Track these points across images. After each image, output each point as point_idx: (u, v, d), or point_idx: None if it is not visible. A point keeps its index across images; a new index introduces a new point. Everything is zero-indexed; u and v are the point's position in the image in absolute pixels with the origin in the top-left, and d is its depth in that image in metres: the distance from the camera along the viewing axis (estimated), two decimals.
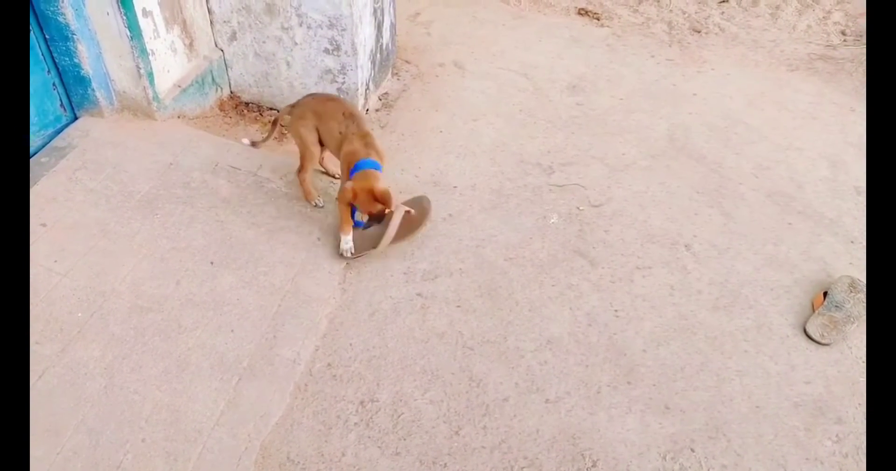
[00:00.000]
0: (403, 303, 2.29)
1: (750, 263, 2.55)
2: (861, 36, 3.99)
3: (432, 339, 2.19)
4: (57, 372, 1.88)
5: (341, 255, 2.37)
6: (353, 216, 2.31)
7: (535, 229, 2.61)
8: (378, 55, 3.06)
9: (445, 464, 1.88)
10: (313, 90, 2.91)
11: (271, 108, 3.05)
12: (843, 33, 4.04)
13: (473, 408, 2.02)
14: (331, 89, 2.88)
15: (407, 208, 2.39)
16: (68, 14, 2.30)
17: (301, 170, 2.48)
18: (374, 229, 2.33)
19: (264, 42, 2.81)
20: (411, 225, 2.42)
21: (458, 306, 2.30)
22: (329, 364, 2.09)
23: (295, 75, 2.89)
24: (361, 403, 2.00)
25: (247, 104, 3.05)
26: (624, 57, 3.74)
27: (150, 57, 2.52)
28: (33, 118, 2.44)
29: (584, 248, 2.55)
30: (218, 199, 2.47)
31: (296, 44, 2.77)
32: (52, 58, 2.45)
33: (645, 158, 3.02)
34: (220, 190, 2.51)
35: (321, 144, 2.42)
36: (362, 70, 2.87)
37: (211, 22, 2.80)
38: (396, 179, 2.75)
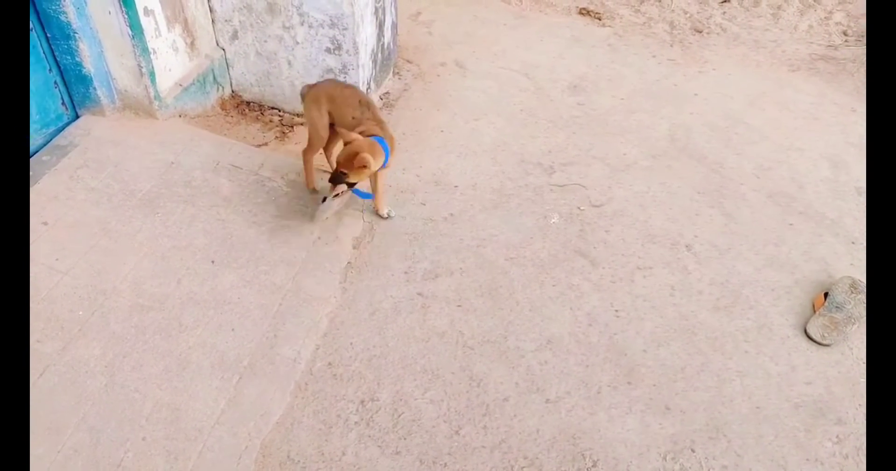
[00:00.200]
0: (404, 302, 2.29)
1: (751, 263, 2.55)
2: (863, 36, 3.99)
3: (433, 338, 2.19)
4: (58, 370, 1.89)
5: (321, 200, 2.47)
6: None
7: (536, 229, 2.61)
8: (379, 54, 3.06)
9: (445, 463, 1.88)
10: None
11: (272, 108, 3.05)
12: (845, 34, 4.04)
13: (474, 408, 2.02)
14: None
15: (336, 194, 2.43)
16: (70, 13, 2.30)
17: (307, 150, 2.50)
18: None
19: (266, 41, 2.81)
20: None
21: (459, 306, 2.30)
22: (330, 363, 2.09)
23: (296, 74, 2.89)
24: (362, 402, 2.00)
25: (248, 103, 3.05)
26: (625, 57, 3.74)
27: (152, 56, 2.52)
28: (35, 117, 2.44)
29: (585, 248, 2.55)
30: (219, 198, 2.47)
31: (297, 43, 2.77)
32: (54, 56, 2.45)
33: (646, 158, 3.02)
34: (222, 189, 2.51)
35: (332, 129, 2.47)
36: (363, 69, 2.87)
37: (212, 21, 2.80)
38: (398, 179, 2.75)
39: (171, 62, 2.66)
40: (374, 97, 3.17)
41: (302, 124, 2.99)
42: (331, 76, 2.85)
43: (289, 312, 2.18)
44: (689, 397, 2.09)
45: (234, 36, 2.83)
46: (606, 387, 2.10)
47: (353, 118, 2.35)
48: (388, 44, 3.18)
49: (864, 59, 3.79)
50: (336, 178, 2.26)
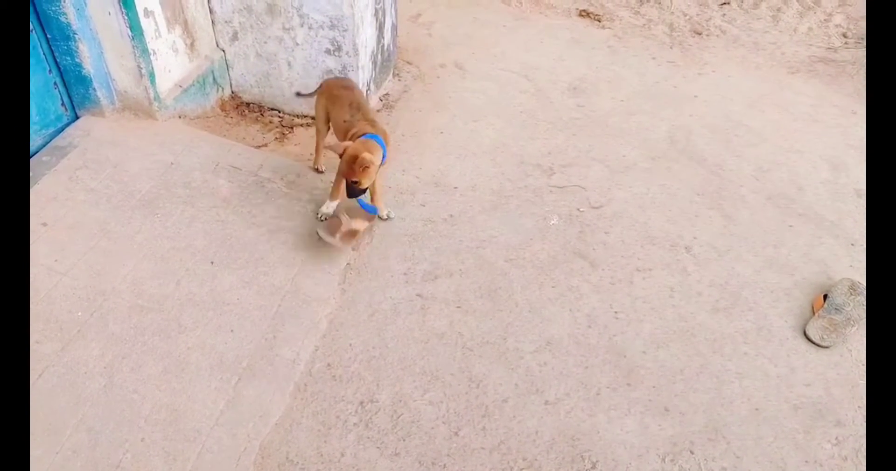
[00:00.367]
0: (403, 303, 2.29)
1: (750, 265, 2.55)
2: (862, 39, 3.99)
3: (432, 339, 2.19)
4: (57, 371, 1.88)
5: (318, 217, 2.44)
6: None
7: (536, 231, 2.61)
8: (379, 56, 3.06)
9: (445, 465, 1.88)
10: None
11: (272, 109, 3.05)
12: (845, 36, 4.04)
13: (473, 409, 2.02)
14: None
15: (354, 227, 2.37)
16: (70, 14, 2.30)
17: (316, 135, 2.62)
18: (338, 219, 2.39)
19: (265, 42, 2.81)
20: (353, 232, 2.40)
21: (458, 307, 2.30)
22: (329, 365, 2.09)
23: (296, 76, 2.90)
24: (361, 403, 2.00)
25: (248, 104, 3.06)
26: (625, 59, 3.74)
27: (152, 57, 2.52)
28: (35, 117, 2.44)
29: (585, 249, 2.55)
30: (218, 199, 2.47)
31: (297, 44, 2.78)
32: (54, 57, 2.45)
33: (645, 159, 3.02)
34: (221, 190, 2.51)
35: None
36: (363, 71, 2.87)
37: (212, 22, 2.80)
38: (398, 180, 2.76)
39: (171, 63, 2.66)
40: (374, 98, 3.17)
41: (301, 126, 2.99)
42: (331, 78, 2.85)
43: (288, 313, 2.18)
44: (688, 399, 2.09)
45: (234, 37, 2.84)
46: (606, 388, 2.10)
47: (345, 121, 2.37)
48: (388, 45, 3.18)
49: (864, 61, 3.79)
50: (352, 191, 2.25)
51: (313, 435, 1.91)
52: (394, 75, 3.39)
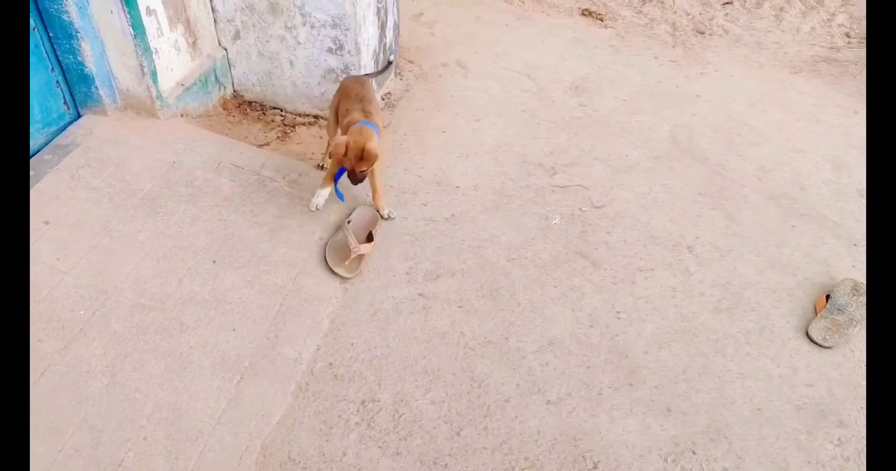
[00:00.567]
0: (405, 303, 2.29)
1: (752, 265, 2.55)
2: (865, 38, 3.98)
3: (434, 339, 2.19)
4: (59, 370, 1.89)
5: (311, 208, 2.44)
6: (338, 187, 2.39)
7: (538, 230, 2.61)
8: (381, 55, 3.06)
9: (446, 465, 1.88)
10: (316, 90, 2.92)
11: (274, 108, 3.05)
12: (848, 36, 4.04)
13: (475, 409, 2.02)
14: (333, 89, 2.88)
15: (362, 252, 2.36)
16: (72, 12, 2.30)
17: (328, 134, 2.62)
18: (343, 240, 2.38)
19: (268, 41, 2.81)
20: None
21: (460, 307, 2.30)
22: (330, 364, 2.09)
23: (298, 74, 2.89)
24: (363, 403, 2.00)
25: (250, 103, 3.05)
26: (627, 58, 3.74)
27: (154, 55, 2.52)
28: (37, 116, 2.44)
29: (587, 249, 2.55)
30: (220, 197, 2.47)
31: (299, 43, 2.77)
32: (56, 56, 2.45)
33: (648, 159, 3.02)
34: (223, 189, 2.51)
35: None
36: (365, 70, 2.87)
37: (214, 20, 2.80)
38: (400, 179, 2.75)
39: (173, 62, 2.66)
40: (375, 98, 3.16)
41: (303, 124, 2.99)
42: (332, 77, 2.85)
43: (290, 312, 2.18)
44: (690, 399, 2.09)
45: (237, 36, 2.83)
46: (608, 388, 2.10)
47: (346, 110, 2.39)
48: (390, 44, 3.17)
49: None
50: (354, 178, 2.26)
51: (315, 434, 1.91)
52: (396, 74, 3.38)
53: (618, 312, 2.33)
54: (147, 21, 2.44)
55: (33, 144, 2.46)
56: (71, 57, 2.44)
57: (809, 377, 2.18)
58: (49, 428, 1.77)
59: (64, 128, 2.58)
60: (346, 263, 2.32)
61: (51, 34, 2.38)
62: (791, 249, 2.63)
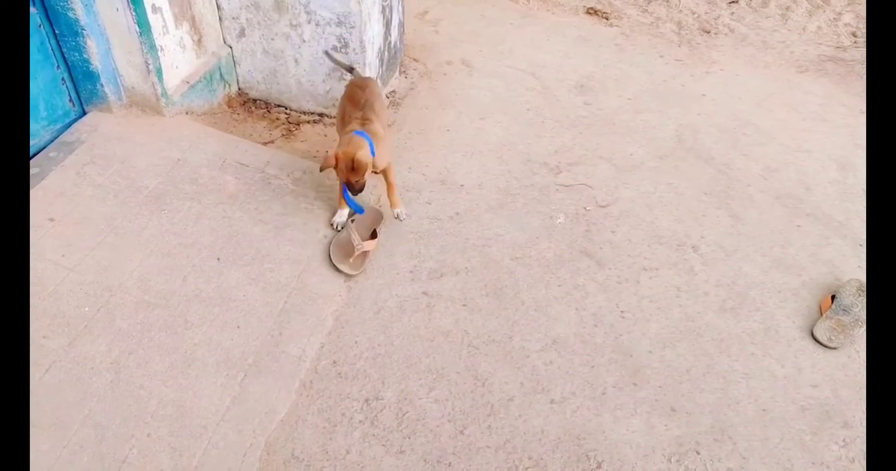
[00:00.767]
0: (409, 301, 2.29)
1: (757, 265, 2.54)
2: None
3: (438, 337, 2.19)
4: (63, 366, 1.89)
5: (332, 226, 2.44)
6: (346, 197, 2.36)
7: (542, 229, 2.60)
8: (386, 53, 3.06)
9: (450, 463, 1.88)
10: (321, 88, 2.92)
11: (279, 105, 3.05)
12: (854, 35, 4.02)
13: (478, 407, 2.01)
14: (339, 87, 2.88)
15: (366, 249, 2.35)
16: (78, 9, 2.30)
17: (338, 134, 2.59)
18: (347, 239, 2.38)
19: (273, 39, 2.81)
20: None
21: (464, 305, 2.30)
22: (334, 362, 2.09)
23: (303, 72, 2.89)
24: (366, 401, 2.00)
25: (255, 101, 3.06)
26: (632, 57, 3.73)
27: (159, 53, 2.52)
28: (42, 113, 2.45)
29: (591, 248, 2.55)
30: (225, 195, 2.47)
31: (304, 41, 2.77)
32: (62, 53, 2.45)
33: (653, 158, 3.01)
34: (228, 186, 2.51)
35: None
36: (370, 68, 2.86)
37: (220, 18, 2.80)
38: (404, 178, 2.75)
39: (179, 59, 2.66)
40: None
41: (308, 123, 2.99)
42: (336, 75, 2.85)
43: (294, 310, 2.18)
44: (694, 399, 2.09)
45: (242, 33, 2.83)
46: (612, 388, 2.10)
47: (349, 117, 2.38)
48: (395, 42, 3.17)
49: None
50: (352, 189, 2.25)
51: (319, 432, 1.91)
52: (400, 72, 3.38)
53: (622, 311, 2.33)
54: (152, 18, 2.44)
55: (39, 141, 2.46)
56: (76, 54, 2.45)
57: (814, 378, 2.18)
58: (53, 424, 1.77)
59: (69, 125, 2.58)
60: (350, 260, 2.32)
61: (56, 31, 2.39)
62: (796, 249, 2.62)
